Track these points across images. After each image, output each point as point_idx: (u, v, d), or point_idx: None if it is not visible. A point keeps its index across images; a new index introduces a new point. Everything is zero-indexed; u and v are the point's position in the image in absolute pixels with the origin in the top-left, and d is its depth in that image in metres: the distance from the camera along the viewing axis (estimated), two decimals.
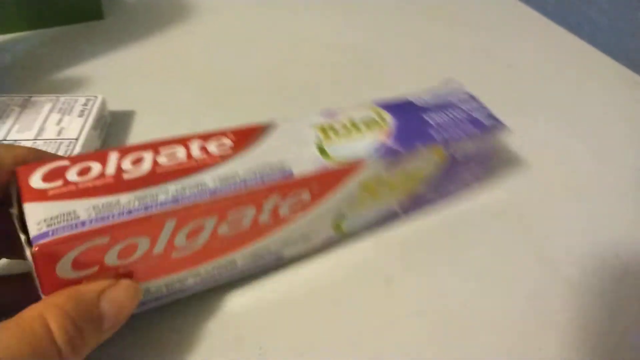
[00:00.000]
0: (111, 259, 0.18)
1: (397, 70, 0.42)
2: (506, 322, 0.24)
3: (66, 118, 0.29)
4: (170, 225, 0.18)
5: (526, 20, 0.52)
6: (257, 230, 0.21)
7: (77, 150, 0.27)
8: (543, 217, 0.29)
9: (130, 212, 0.17)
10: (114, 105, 0.34)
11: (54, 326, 0.15)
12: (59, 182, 0.18)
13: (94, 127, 0.30)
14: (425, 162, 0.25)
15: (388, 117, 0.25)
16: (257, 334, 0.22)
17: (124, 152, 0.20)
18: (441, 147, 0.25)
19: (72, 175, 0.18)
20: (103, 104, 0.31)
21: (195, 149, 0.20)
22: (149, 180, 0.19)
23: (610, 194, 0.32)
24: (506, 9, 0.54)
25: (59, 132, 0.28)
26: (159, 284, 0.20)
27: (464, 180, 0.29)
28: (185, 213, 0.18)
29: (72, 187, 0.18)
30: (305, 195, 0.21)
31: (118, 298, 0.17)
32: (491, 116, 0.28)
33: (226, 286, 0.23)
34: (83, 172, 0.18)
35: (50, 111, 0.30)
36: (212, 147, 0.21)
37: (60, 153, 0.27)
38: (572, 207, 0.30)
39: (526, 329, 0.24)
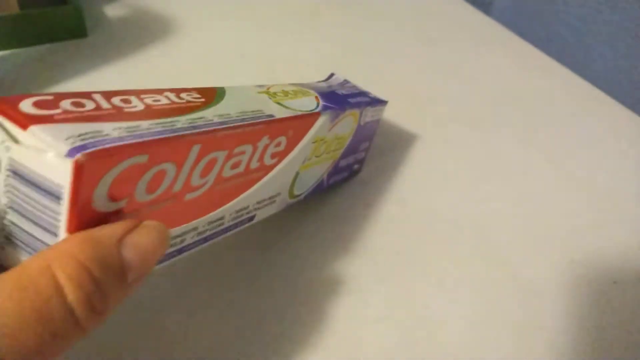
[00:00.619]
0: (140, 191, 0.16)
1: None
2: (466, 325, 0.25)
3: None
4: (195, 151, 0.17)
5: (491, 33, 0.55)
6: (247, 177, 0.21)
7: None
8: (499, 224, 0.31)
9: (159, 132, 0.16)
10: None
11: (65, 281, 0.12)
12: (58, 110, 0.15)
13: None
14: (347, 125, 0.28)
15: (309, 90, 0.28)
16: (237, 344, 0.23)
17: (108, 94, 0.18)
18: (358, 111, 0.29)
19: (68, 105, 0.15)
20: None
21: (172, 96, 0.20)
22: (153, 113, 0.17)
23: (565, 200, 0.34)
24: (474, 26, 0.56)
25: None
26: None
27: (360, 152, 0.32)
28: (208, 138, 0.18)
29: (77, 114, 0.15)
30: (283, 141, 0.23)
31: (142, 242, 0.14)
32: (370, 94, 0.33)
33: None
34: (78, 105, 0.16)
35: None
36: (187, 97, 0.20)
37: None
38: (526, 214, 0.32)
39: (486, 331, 0.25)
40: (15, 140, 0.14)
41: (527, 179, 0.35)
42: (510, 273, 0.28)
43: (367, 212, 0.31)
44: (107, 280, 0.13)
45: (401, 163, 0.35)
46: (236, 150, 0.20)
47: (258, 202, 0.23)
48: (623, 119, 0.42)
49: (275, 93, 0.25)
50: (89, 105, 0.16)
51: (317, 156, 0.27)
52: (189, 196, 0.18)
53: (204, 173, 0.19)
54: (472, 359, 0.24)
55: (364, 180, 0.34)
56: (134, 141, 0.15)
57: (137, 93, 0.19)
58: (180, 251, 0.20)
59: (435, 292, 0.27)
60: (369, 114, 0.31)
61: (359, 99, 0.30)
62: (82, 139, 0.14)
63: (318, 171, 0.28)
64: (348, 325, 0.25)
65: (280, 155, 0.23)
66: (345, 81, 0.34)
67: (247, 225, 0.23)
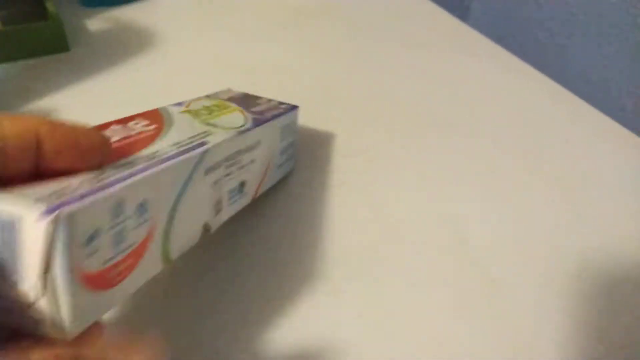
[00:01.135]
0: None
1: (345, 92, 0.45)
2: (438, 322, 0.26)
3: None
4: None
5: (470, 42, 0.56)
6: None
7: None
8: (471, 224, 0.32)
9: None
10: None
11: None
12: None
13: None
14: (272, 140, 0.29)
15: (230, 104, 0.29)
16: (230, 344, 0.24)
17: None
18: (276, 122, 0.29)
19: None
20: None
21: (124, 130, 0.21)
22: (122, 150, 0.19)
23: (539, 200, 0.35)
24: (449, 32, 0.58)
25: None
26: None
27: (289, 157, 0.34)
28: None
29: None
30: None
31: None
32: (280, 102, 0.33)
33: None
34: None
35: None
36: (138, 127, 0.21)
37: None
38: (500, 213, 0.33)
39: (459, 328, 0.26)
40: None
41: (501, 179, 0.36)
42: (482, 272, 0.29)
43: (340, 214, 0.32)
44: None
45: (374, 166, 0.36)
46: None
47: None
48: (595, 121, 0.44)
49: (197, 113, 0.26)
50: None
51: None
52: None
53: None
54: (444, 354, 0.25)
55: (334, 183, 0.34)
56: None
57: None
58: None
59: (407, 291, 0.28)
60: (285, 123, 0.31)
61: (274, 112, 0.30)
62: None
63: (256, 178, 0.29)
64: (323, 324, 0.26)
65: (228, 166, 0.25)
66: (245, 96, 0.34)
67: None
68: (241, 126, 0.25)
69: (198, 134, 0.23)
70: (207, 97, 0.30)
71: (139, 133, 0.20)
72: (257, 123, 0.27)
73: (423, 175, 0.36)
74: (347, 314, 0.26)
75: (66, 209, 0.14)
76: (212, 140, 0.22)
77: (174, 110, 0.25)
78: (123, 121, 0.22)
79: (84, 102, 0.40)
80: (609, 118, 0.44)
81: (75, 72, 0.44)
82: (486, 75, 0.49)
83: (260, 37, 0.53)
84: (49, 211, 0.13)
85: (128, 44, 0.49)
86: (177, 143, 0.21)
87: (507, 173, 0.37)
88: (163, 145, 0.20)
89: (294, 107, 0.33)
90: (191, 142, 0.21)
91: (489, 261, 0.30)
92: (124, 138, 0.20)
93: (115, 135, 0.20)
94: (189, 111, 0.26)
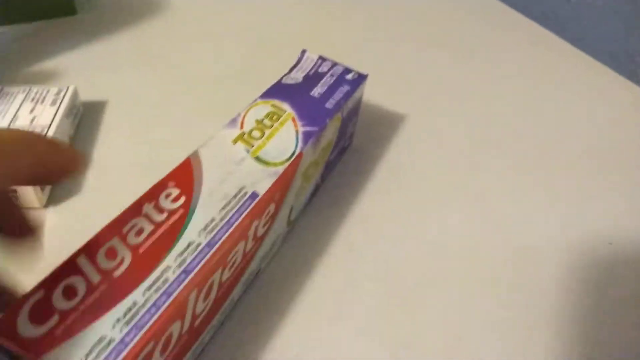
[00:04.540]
0: (156, 358, 0.17)
1: (363, 61, 0.43)
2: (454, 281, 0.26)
3: (39, 107, 0.31)
4: (192, 296, 0.18)
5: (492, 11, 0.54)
6: (246, 260, 0.22)
7: (50, 135, 0.29)
8: (492, 190, 0.31)
9: (156, 306, 0.17)
10: (86, 96, 0.35)
11: None
12: (55, 318, 0.16)
13: (67, 115, 0.31)
14: (332, 131, 0.27)
15: (284, 105, 0.26)
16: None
17: (90, 249, 0.18)
18: (339, 114, 0.27)
19: (60, 301, 0.16)
20: (75, 93, 0.33)
21: (153, 213, 0.19)
22: (143, 265, 0.18)
23: (561, 168, 0.34)
24: (477, 4, 0.56)
25: (32, 120, 0.30)
26: (187, 357, 0.20)
27: (348, 133, 0.31)
28: (200, 278, 0.18)
29: (74, 318, 0.16)
30: (272, 207, 0.22)
31: None
32: (348, 70, 0.30)
33: None
34: (70, 295, 0.16)
35: (23, 101, 0.31)
36: (167, 202, 0.20)
37: None
38: (520, 181, 0.32)
39: (477, 293, 0.25)
40: None
41: (521, 145, 0.35)
42: (505, 237, 0.29)
43: (359, 179, 0.31)
44: None
45: (392, 133, 0.35)
46: (229, 258, 0.20)
47: (261, 260, 0.24)
48: (620, 87, 0.42)
49: (251, 136, 0.24)
50: (80, 288, 0.16)
51: (307, 179, 0.26)
52: (197, 321, 0.19)
53: (206, 297, 0.19)
54: (461, 318, 0.24)
55: (355, 149, 0.34)
56: (137, 339, 0.16)
57: (117, 228, 0.18)
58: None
59: (426, 254, 0.27)
60: (350, 102, 0.29)
61: (337, 96, 0.28)
62: None
63: (311, 186, 0.28)
64: (343, 281, 0.25)
65: (272, 218, 0.23)
66: (320, 59, 0.31)
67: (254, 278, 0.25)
68: (290, 156, 0.23)
69: (235, 195, 0.21)
70: (263, 98, 0.26)
71: (165, 221, 0.19)
72: (309, 136, 0.24)
73: (441, 141, 0.35)
74: (366, 273, 0.26)
75: None
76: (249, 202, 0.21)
77: (219, 146, 0.23)
78: (154, 196, 0.20)
79: (89, 65, 0.39)
80: (633, 84, 0.43)
81: (81, 35, 0.43)
82: (504, 43, 0.48)
83: (271, 6, 0.51)
84: None
85: (134, 9, 0.48)
86: (205, 228, 0.19)
87: (528, 139, 0.36)
88: (189, 237, 0.19)
89: (361, 77, 0.30)
90: (223, 218, 0.20)
91: (512, 225, 0.29)
92: (149, 236, 0.18)
93: (140, 233, 0.19)
94: (242, 139, 0.23)
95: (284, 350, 0.22)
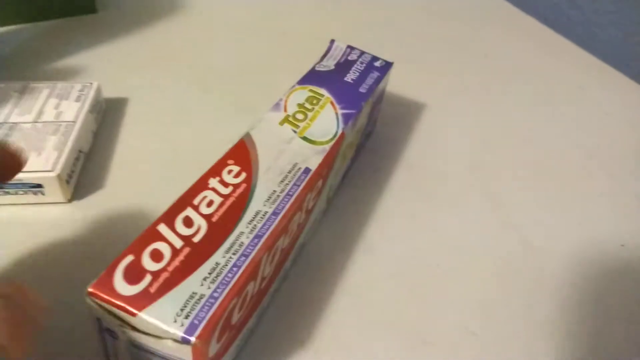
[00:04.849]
0: (235, 317, 0.19)
1: None
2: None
3: (64, 102, 0.31)
4: (265, 260, 0.20)
5: (503, 13, 0.54)
6: (299, 231, 0.24)
7: (75, 132, 0.29)
8: (508, 188, 0.32)
9: (236, 266, 0.18)
10: (108, 92, 0.36)
11: None
12: (148, 278, 0.17)
13: (91, 110, 0.31)
14: (364, 114, 0.29)
15: (321, 90, 0.28)
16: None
17: (169, 219, 0.20)
18: (370, 98, 0.29)
19: (150, 263, 0.18)
20: (98, 90, 0.33)
21: (219, 187, 0.21)
22: (218, 231, 0.19)
23: (575, 167, 0.34)
24: (485, 5, 0.56)
25: (58, 115, 0.30)
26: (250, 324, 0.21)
27: (374, 118, 0.33)
28: (270, 242, 0.20)
29: (166, 277, 0.18)
30: (320, 182, 0.24)
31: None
32: (376, 58, 0.32)
33: None
34: (158, 257, 0.18)
35: (48, 96, 0.32)
36: (230, 178, 0.22)
37: (59, 134, 0.29)
38: (534, 178, 0.33)
39: (494, 289, 0.26)
40: (128, 324, 0.17)
41: (536, 146, 0.35)
42: (520, 236, 0.29)
43: (377, 177, 0.31)
44: None
45: (410, 130, 0.36)
46: (290, 226, 0.22)
47: (307, 234, 0.26)
48: (627, 89, 0.42)
49: (295, 118, 0.26)
50: (166, 252, 0.18)
51: (344, 159, 0.28)
52: (261, 285, 0.21)
53: (271, 261, 0.21)
54: (481, 312, 0.24)
55: (373, 147, 0.34)
56: (224, 295, 0.17)
57: (189, 201, 0.20)
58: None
59: (444, 251, 0.27)
60: (379, 88, 0.30)
61: (369, 81, 0.29)
62: (186, 315, 0.17)
63: (345, 166, 0.29)
64: (362, 280, 0.25)
65: (319, 193, 0.25)
66: (349, 48, 0.32)
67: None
68: (333, 136, 0.25)
69: (290, 171, 0.23)
70: (301, 84, 0.28)
71: (231, 194, 0.21)
72: (348, 118, 0.26)
73: (457, 138, 0.35)
74: (385, 272, 0.26)
75: (201, 331, 0.16)
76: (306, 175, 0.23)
77: (268, 127, 0.25)
78: (217, 172, 0.22)
79: (110, 63, 0.40)
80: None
81: (102, 33, 0.43)
82: (516, 45, 0.48)
83: (292, 4, 0.52)
84: (190, 333, 0.16)
85: (154, 8, 0.48)
86: (269, 199, 0.21)
87: (541, 139, 0.36)
88: (256, 207, 0.21)
89: (388, 65, 0.32)
90: (283, 190, 0.22)
91: (528, 225, 0.29)
92: (219, 206, 0.20)
93: (211, 204, 0.21)
94: (288, 120, 0.26)
95: (326, 317, 0.23)
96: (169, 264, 0.18)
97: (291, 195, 0.22)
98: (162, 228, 0.19)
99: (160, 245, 0.18)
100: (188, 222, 0.20)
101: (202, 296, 0.17)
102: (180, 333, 0.16)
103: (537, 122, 0.38)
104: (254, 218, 0.20)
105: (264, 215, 0.21)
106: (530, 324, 0.24)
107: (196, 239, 0.19)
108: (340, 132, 0.25)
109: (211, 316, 0.17)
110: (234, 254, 0.19)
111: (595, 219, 0.30)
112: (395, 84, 0.41)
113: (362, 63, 0.31)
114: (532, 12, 0.55)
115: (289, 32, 0.46)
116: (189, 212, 0.20)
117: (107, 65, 0.39)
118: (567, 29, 0.52)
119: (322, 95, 0.28)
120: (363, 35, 0.47)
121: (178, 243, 0.19)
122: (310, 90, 0.28)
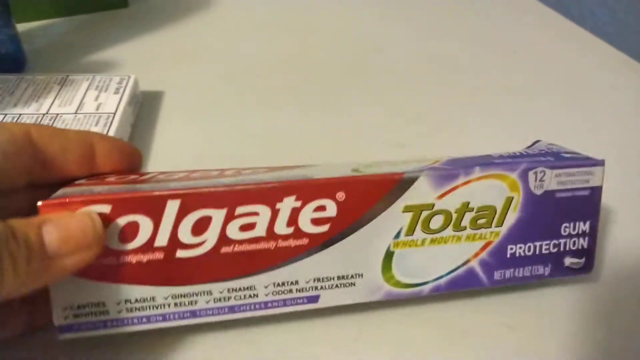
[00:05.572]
0: (112, 239, 0.17)
1: (404, 56, 0.44)
2: None
3: (103, 95, 0.32)
4: (172, 207, 0.17)
5: (530, 11, 0.54)
6: (280, 247, 0.19)
7: (116, 123, 0.30)
8: None
9: (136, 189, 0.18)
10: (143, 86, 0.36)
11: None
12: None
13: (129, 103, 0.32)
14: (492, 192, 0.21)
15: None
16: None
17: (186, 206, 0.18)
18: (512, 174, 0.21)
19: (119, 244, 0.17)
20: (136, 82, 0.34)
21: (284, 215, 0.19)
22: (218, 265, 0.18)
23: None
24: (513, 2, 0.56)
25: (98, 107, 0.31)
26: (163, 293, 0.18)
27: (561, 237, 0.22)
28: (187, 195, 0.18)
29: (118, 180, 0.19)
30: (331, 207, 0.19)
31: (66, 222, 0.16)
32: (576, 158, 0.23)
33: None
34: (130, 237, 0.17)
35: (88, 88, 0.32)
36: (314, 213, 0.19)
37: (99, 126, 0.29)
38: None
39: None
40: None
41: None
42: None
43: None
44: (21, 250, 0.14)
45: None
46: (240, 210, 0.18)
47: (317, 280, 0.20)
48: None
49: (370, 166, 0.21)
50: (141, 234, 0.18)
51: (429, 232, 0.21)
52: (183, 253, 0.18)
53: (197, 231, 0.18)
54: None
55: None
56: (96, 195, 0.17)
57: (231, 203, 0.18)
58: (193, 313, 0.19)
59: None
60: (554, 180, 0.21)
61: (525, 159, 0.22)
62: (66, 193, 0.17)
63: (448, 254, 0.21)
64: None
65: (332, 223, 0.19)
66: (550, 145, 0.25)
67: (308, 306, 0.20)
68: (389, 172, 0.20)
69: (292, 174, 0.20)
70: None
71: (291, 236, 0.19)
72: (428, 171, 0.21)
73: None
74: None
75: None
76: None
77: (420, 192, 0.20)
78: (305, 196, 0.19)
79: (143, 56, 0.40)
80: None
81: (134, 27, 0.44)
82: (546, 42, 0.47)
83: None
84: None
85: (185, 2, 0.49)
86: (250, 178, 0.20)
87: (571, 136, 0.36)
88: (292, 276, 0.20)
89: (597, 163, 0.22)
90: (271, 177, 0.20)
91: None
92: (253, 241, 0.19)
93: (248, 229, 0.19)
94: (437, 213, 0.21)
95: None
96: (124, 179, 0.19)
97: (247, 184, 0.19)
98: (169, 207, 0.17)
99: (139, 219, 0.17)
100: (200, 227, 0.18)
101: (92, 191, 0.17)
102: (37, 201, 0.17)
103: (565, 121, 0.38)
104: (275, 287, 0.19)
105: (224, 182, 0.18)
106: None
107: (181, 254, 0.18)
108: (399, 171, 0.20)
109: (68, 197, 0.17)
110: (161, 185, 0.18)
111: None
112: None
113: (550, 151, 0.23)
114: (562, 10, 0.54)
115: (322, 29, 0.47)
116: (215, 216, 0.18)
117: (140, 58, 0.40)
118: (596, 27, 0.52)
119: (436, 160, 0.22)
120: (391, 33, 0.47)
121: (161, 239, 0.18)
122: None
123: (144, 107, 0.35)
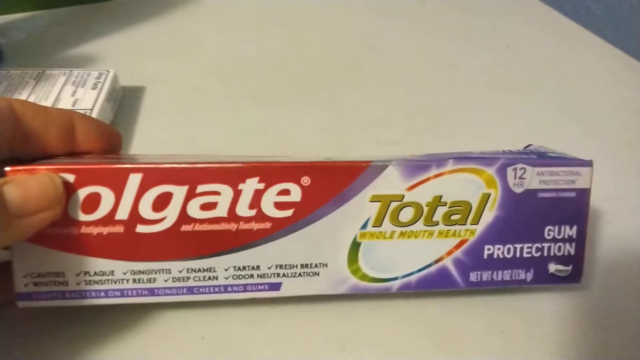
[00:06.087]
0: (73, 208, 0.17)
1: (398, 53, 0.43)
2: None
3: (80, 90, 0.30)
4: (134, 180, 0.18)
5: (525, 6, 0.53)
6: (242, 230, 0.19)
7: None
8: None
9: (103, 162, 0.18)
10: (124, 81, 0.35)
11: None
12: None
13: (107, 99, 0.31)
14: (466, 188, 0.20)
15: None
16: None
17: (147, 180, 0.18)
18: (488, 169, 0.20)
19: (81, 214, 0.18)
20: (115, 78, 0.32)
21: (246, 195, 0.18)
22: (174, 242, 0.18)
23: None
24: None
25: (74, 103, 0.29)
26: (122, 268, 0.18)
27: (545, 240, 0.21)
28: (150, 170, 0.18)
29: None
30: (295, 191, 0.19)
31: (24, 182, 0.16)
32: (561, 158, 0.22)
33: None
34: (92, 208, 0.17)
35: (65, 84, 0.31)
36: (277, 197, 0.19)
37: None
38: None
39: None
40: None
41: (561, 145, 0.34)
42: None
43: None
44: None
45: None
46: (201, 188, 0.18)
47: (280, 266, 0.19)
48: None
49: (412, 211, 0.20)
50: (104, 203, 0.18)
51: (398, 224, 0.20)
52: (143, 229, 0.18)
53: (157, 207, 0.18)
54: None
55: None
56: (63, 163, 0.17)
57: (193, 180, 0.18)
58: (151, 292, 0.19)
59: None
60: (535, 178, 0.20)
61: (505, 155, 0.21)
62: (41, 163, 0.17)
63: (418, 250, 0.20)
64: None
65: (296, 208, 0.19)
66: (540, 147, 0.24)
67: (270, 293, 0.19)
68: (357, 159, 0.20)
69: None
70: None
71: (252, 219, 0.19)
72: (398, 162, 0.20)
73: None
74: None
75: None
76: None
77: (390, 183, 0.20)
78: (268, 177, 0.19)
79: (125, 50, 0.39)
80: None
81: (117, 20, 0.43)
82: (539, 38, 0.47)
83: None
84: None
85: None
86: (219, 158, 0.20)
87: (566, 137, 0.35)
88: (253, 260, 0.20)
89: (584, 164, 0.21)
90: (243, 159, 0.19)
91: None
92: (214, 221, 0.19)
93: (210, 208, 0.19)
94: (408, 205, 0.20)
95: None
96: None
97: (211, 163, 0.18)
98: (131, 181, 0.18)
99: (101, 191, 0.18)
100: (161, 203, 0.18)
101: (60, 161, 0.18)
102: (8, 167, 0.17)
103: (565, 122, 0.37)
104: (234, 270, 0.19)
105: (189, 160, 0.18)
106: None
107: (141, 229, 0.18)
108: (367, 159, 0.19)
109: (35, 164, 0.17)
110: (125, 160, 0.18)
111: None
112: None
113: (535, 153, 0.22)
114: (556, 6, 0.54)
115: (312, 25, 0.45)
116: (176, 193, 0.18)
117: (122, 53, 0.39)
118: (591, 23, 0.51)
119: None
120: (380, 31, 0.46)
121: (122, 213, 0.18)
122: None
123: (124, 103, 0.34)
